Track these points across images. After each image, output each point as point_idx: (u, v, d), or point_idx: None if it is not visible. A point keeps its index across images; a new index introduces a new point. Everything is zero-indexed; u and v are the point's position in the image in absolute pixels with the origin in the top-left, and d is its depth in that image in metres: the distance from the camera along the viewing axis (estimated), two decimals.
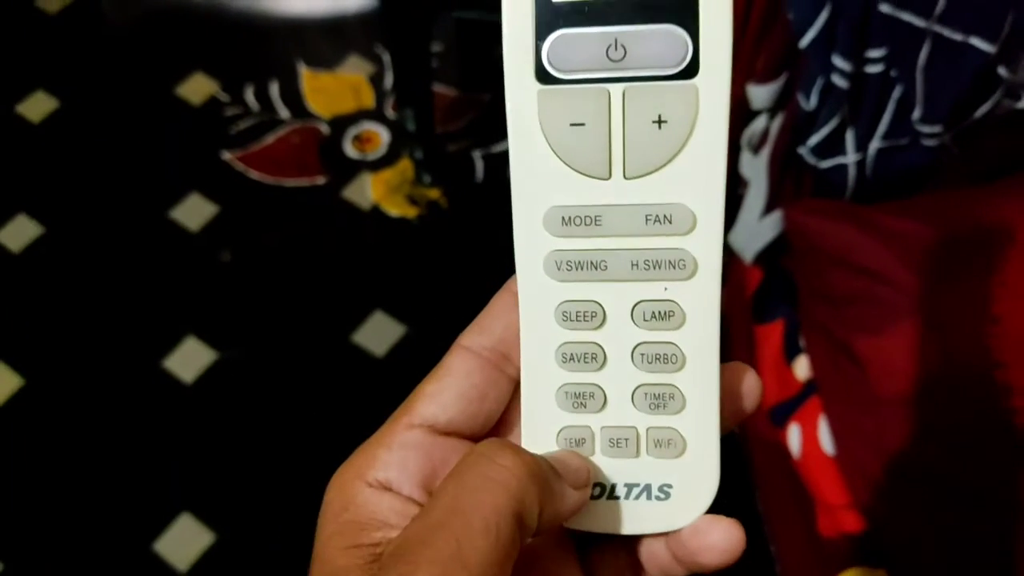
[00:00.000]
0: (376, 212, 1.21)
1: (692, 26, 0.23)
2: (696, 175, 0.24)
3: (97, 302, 1.15)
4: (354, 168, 1.24)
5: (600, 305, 0.25)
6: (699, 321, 0.25)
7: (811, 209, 0.73)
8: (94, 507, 1.00)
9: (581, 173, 0.24)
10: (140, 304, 1.15)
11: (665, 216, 0.24)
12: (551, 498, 0.24)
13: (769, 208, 0.77)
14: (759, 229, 0.77)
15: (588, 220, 0.24)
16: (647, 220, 0.24)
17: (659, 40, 0.23)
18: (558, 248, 0.25)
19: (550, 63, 0.23)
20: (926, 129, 0.69)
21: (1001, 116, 0.73)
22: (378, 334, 1.12)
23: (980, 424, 0.68)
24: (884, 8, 0.65)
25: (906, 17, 0.66)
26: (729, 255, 0.83)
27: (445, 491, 0.23)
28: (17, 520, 1.00)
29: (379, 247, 1.20)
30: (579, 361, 0.25)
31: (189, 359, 1.10)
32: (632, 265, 0.24)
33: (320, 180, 1.23)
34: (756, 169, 0.76)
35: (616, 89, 0.23)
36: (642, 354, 0.25)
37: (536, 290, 0.25)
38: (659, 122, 0.23)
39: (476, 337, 0.27)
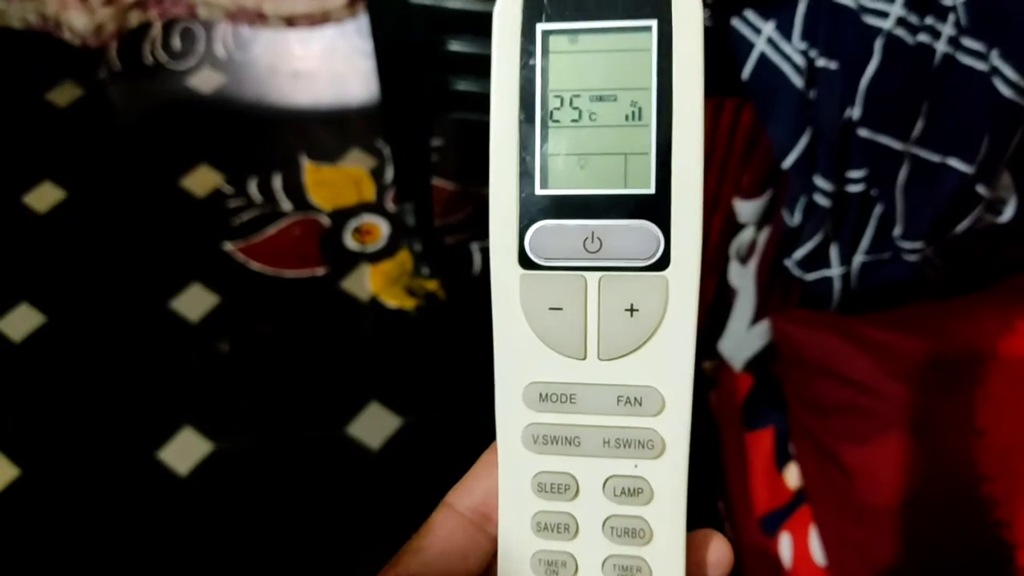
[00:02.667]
0: (375, 303, 1.22)
1: (664, 223, 0.24)
2: (665, 361, 0.25)
3: (96, 391, 1.16)
4: (354, 260, 1.26)
5: (574, 478, 0.26)
6: (667, 497, 0.26)
7: (797, 320, 0.74)
8: None
9: (558, 352, 0.25)
10: (138, 394, 1.16)
11: (636, 398, 0.25)
12: None
13: (758, 317, 0.79)
14: (748, 338, 0.79)
15: (564, 397, 0.26)
16: (619, 401, 0.25)
17: (633, 235, 0.24)
18: (535, 422, 0.26)
19: (532, 250, 0.25)
20: (907, 245, 0.71)
21: (982, 230, 0.75)
22: (374, 426, 1.12)
23: (966, 536, 0.68)
24: (863, 132, 0.68)
25: (884, 140, 0.68)
26: (720, 363, 0.84)
27: None
28: None
29: (377, 338, 1.21)
30: (552, 531, 0.26)
31: (184, 450, 1.10)
32: (604, 442, 0.26)
33: (320, 271, 1.25)
34: (744, 279, 0.78)
35: (592, 277, 0.25)
36: (612, 527, 0.26)
37: (514, 460, 0.26)
38: (631, 310, 0.25)
39: (461, 496, 0.28)
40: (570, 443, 0.26)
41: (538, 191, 0.25)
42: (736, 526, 0.84)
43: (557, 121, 0.25)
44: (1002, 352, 0.70)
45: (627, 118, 0.24)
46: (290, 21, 1.44)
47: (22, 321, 1.21)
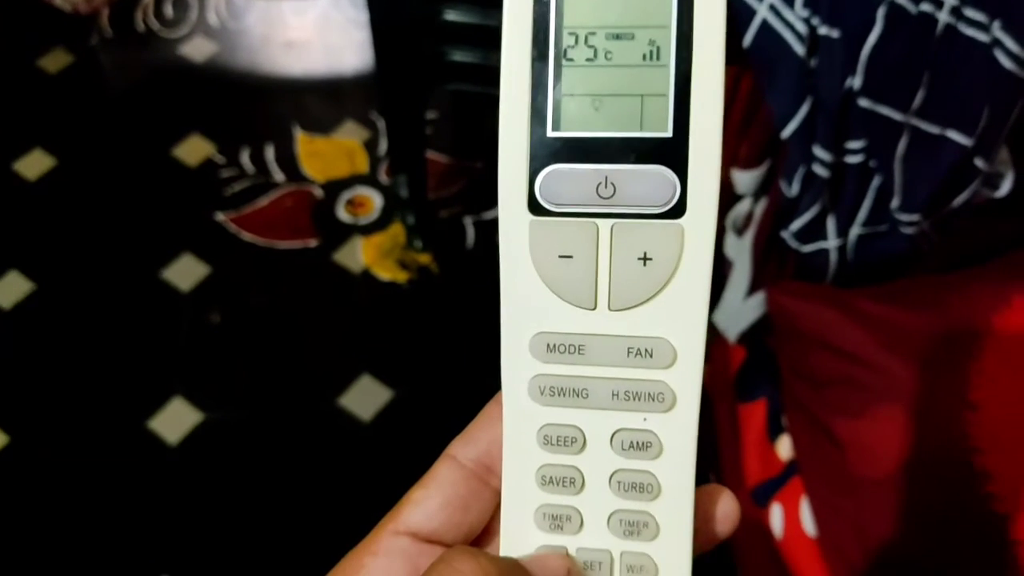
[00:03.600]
0: (367, 276, 1.22)
1: (681, 168, 0.23)
2: (678, 312, 0.24)
3: (86, 360, 1.15)
4: (346, 232, 1.25)
5: (581, 431, 0.26)
6: (676, 452, 0.25)
7: (793, 292, 0.74)
8: (81, 563, 1.00)
9: (567, 302, 0.25)
10: (128, 363, 1.15)
11: (646, 350, 0.24)
12: None
13: (753, 289, 0.78)
14: (743, 309, 0.79)
15: (572, 348, 0.25)
16: (629, 352, 0.25)
17: (648, 180, 0.23)
18: (542, 373, 0.25)
19: (542, 196, 0.24)
20: (904, 217, 0.71)
21: (979, 204, 0.75)
22: (365, 398, 1.12)
23: (958, 509, 0.68)
24: (863, 102, 0.67)
25: (884, 111, 0.67)
26: (713, 334, 0.84)
27: None
28: None
29: (368, 311, 1.20)
30: (558, 484, 0.26)
31: (175, 420, 1.10)
32: (613, 395, 0.25)
33: (312, 243, 1.24)
34: (740, 251, 0.78)
35: (605, 224, 0.24)
36: (619, 481, 0.26)
37: (519, 412, 0.26)
38: (644, 259, 0.24)
39: (463, 447, 0.27)
40: (578, 395, 0.25)
41: (550, 133, 0.24)
42: None
43: (571, 60, 0.24)
44: (997, 327, 0.70)
45: (644, 57, 0.23)
46: None
47: (11, 289, 1.20)
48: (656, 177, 0.23)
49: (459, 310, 1.18)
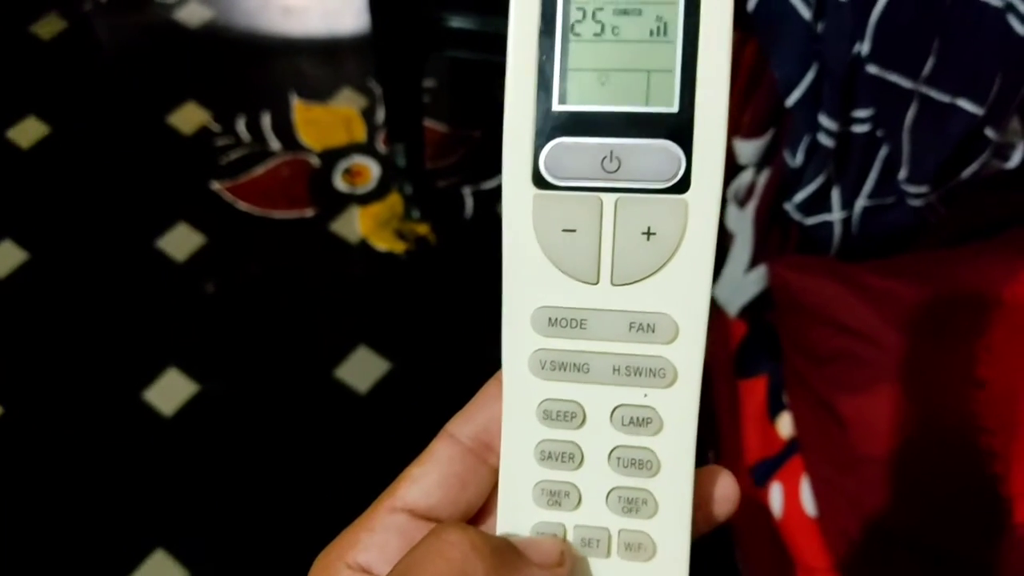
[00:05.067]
0: (364, 246, 1.20)
1: (686, 143, 0.23)
2: (681, 287, 0.24)
3: (80, 331, 1.14)
4: (343, 201, 1.24)
5: (581, 406, 0.26)
6: (676, 429, 0.25)
7: (795, 265, 0.72)
8: (75, 535, 0.99)
9: (570, 276, 0.25)
10: (122, 334, 1.14)
11: (649, 325, 0.24)
12: (509, 573, 0.24)
13: (754, 262, 0.77)
14: (744, 283, 0.77)
15: (574, 323, 0.25)
16: (631, 327, 0.25)
17: (653, 155, 0.24)
18: (543, 347, 0.25)
19: (546, 169, 0.24)
20: (912, 189, 0.69)
21: (989, 176, 0.73)
22: (362, 370, 1.11)
23: (962, 489, 0.67)
24: (871, 69, 0.65)
25: (893, 78, 0.65)
26: (714, 309, 0.83)
27: (398, 568, 0.24)
28: None
29: (366, 281, 1.19)
30: (557, 460, 0.26)
31: (169, 391, 1.09)
32: (614, 370, 0.25)
33: (308, 213, 1.22)
34: (742, 223, 0.76)
35: (609, 199, 0.24)
36: (618, 458, 0.26)
37: (519, 386, 0.26)
38: (648, 234, 0.24)
39: (462, 425, 0.27)
40: (578, 370, 0.25)
41: (555, 107, 0.24)
42: None
43: (578, 34, 0.24)
44: (1007, 302, 0.68)
45: (652, 33, 0.23)
46: None
47: (5, 258, 1.19)
48: (661, 152, 0.24)
49: (457, 281, 1.16)
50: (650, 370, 0.25)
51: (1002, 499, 0.66)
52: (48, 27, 1.41)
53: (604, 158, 0.24)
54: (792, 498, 0.74)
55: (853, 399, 0.69)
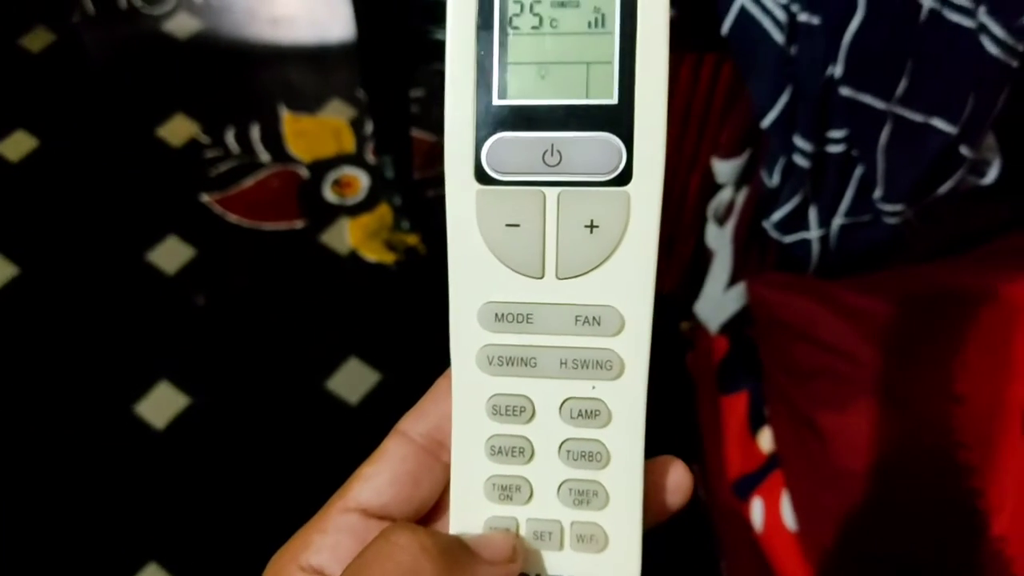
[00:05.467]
0: (354, 257, 1.21)
1: (627, 135, 0.23)
2: (625, 279, 0.24)
3: (71, 345, 1.15)
4: (333, 213, 1.24)
5: (530, 400, 0.26)
6: (625, 420, 0.25)
7: (774, 283, 0.73)
8: (69, 548, 1.00)
9: (515, 271, 0.25)
10: (113, 348, 1.14)
11: (594, 317, 0.25)
12: (460, 572, 0.24)
13: (734, 279, 0.77)
14: (724, 300, 0.77)
15: (520, 317, 0.25)
16: (577, 320, 0.25)
17: (594, 147, 0.24)
18: (491, 343, 0.25)
19: (489, 164, 0.24)
20: (887, 208, 0.70)
21: (964, 192, 0.73)
22: (353, 381, 1.11)
23: (941, 503, 0.68)
24: (844, 91, 0.65)
25: (867, 99, 0.66)
26: (696, 324, 0.83)
27: (347, 572, 0.24)
28: None
29: (356, 293, 1.19)
30: (507, 454, 0.26)
31: (161, 404, 1.09)
32: (561, 363, 0.25)
33: (298, 224, 1.23)
34: (721, 241, 0.76)
35: (551, 192, 0.24)
36: (568, 450, 0.26)
37: (468, 382, 0.26)
38: (591, 226, 0.24)
39: (414, 423, 0.27)
40: (526, 364, 0.25)
41: (496, 102, 0.24)
42: (710, 489, 0.83)
43: (516, 28, 0.24)
44: (983, 319, 0.68)
45: (590, 25, 0.23)
46: None
47: None
48: (602, 144, 0.24)
49: (446, 292, 1.16)
50: (597, 362, 0.25)
51: (980, 512, 0.67)
52: (37, 40, 1.41)
53: (545, 152, 0.24)
54: (773, 512, 0.75)
55: (832, 415, 0.70)
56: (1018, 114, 0.70)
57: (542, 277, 0.25)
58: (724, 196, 0.76)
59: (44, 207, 1.26)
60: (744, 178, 0.74)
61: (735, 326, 0.80)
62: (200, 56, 1.40)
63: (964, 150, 0.68)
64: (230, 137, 1.30)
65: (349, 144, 1.30)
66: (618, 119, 0.23)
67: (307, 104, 1.33)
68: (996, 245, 0.75)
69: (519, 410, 0.26)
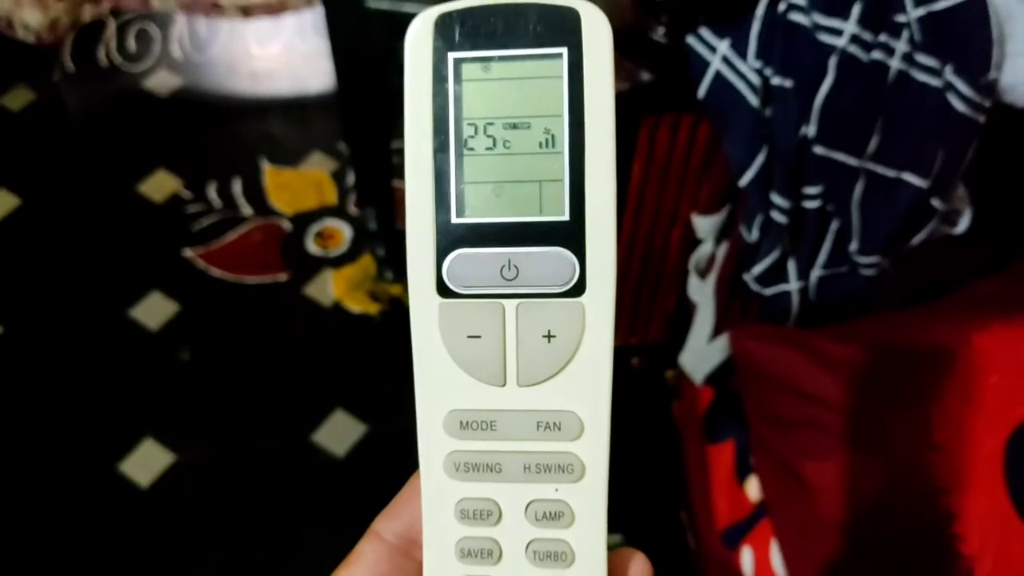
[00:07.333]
0: (338, 309, 1.21)
1: (579, 249, 0.25)
2: (583, 385, 0.25)
3: (54, 403, 1.14)
4: (316, 265, 1.25)
5: (496, 504, 0.27)
6: (587, 520, 0.26)
7: (756, 335, 0.74)
8: None
9: (478, 380, 0.26)
10: (97, 406, 1.14)
11: (555, 423, 0.26)
12: None
13: (717, 331, 0.79)
14: (708, 352, 0.79)
15: (484, 424, 0.26)
16: (539, 426, 0.26)
17: (548, 261, 0.25)
18: (457, 449, 0.26)
19: (449, 279, 0.25)
20: (864, 260, 0.71)
21: (938, 241, 0.75)
22: (339, 434, 1.11)
23: (925, 551, 0.69)
24: (818, 150, 0.67)
25: (840, 157, 0.68)
26: (682, 373, 0.84)
27: None
28: None
29: (340, 345, 1.20)
30: (477, 556, 0.27)
31: (146, 462, 1.09)
32: (525, 468, 0.26)
33: (282, 277, 1.23)
34: (704, 293, 0.78)
35: (510, 305, 0.25)
36: (535, 551, 0.27)
37: (437, 488, 0.27)
38: (549, 336, 0.25)
39: (387, 523, 0.28)
40: (492, 469, 0.26)
41: (454, 220, 0.25)
42: (699, 538, 0.84)
43: (472, 149, 0.25)
44: (959, 367, 0.70)
45: (541, 145, 0.25)
46: (246, 11, 1.41)
47: None
48: (555, 258, 0.25)
49: None
50: (559, 466, 0.26)
51: (963, 557, 0.68)
52: (17, 98, 1.41)
53: (503, 266, 0.25)
54: (763, 561, 0.76)
55: (816, 464, 0.71)
56: (987, 164, 0.73)
57: (504, 385, 0.26)
58: (705, 250, 0.77)
59: (26, 265, 1.26)
60: (724, 233, 0.76)
61: (720, 376, 0.81)
62: (181, 112, 1.41)
63: (935, 202, 0.71)
64: (212, 192, 1.31)
65: (331, 196, 1.31)
66: (570, 234, 0.25)
67: (288, 157, 1.34)
68: (969, 291, 0.77)
69: (486, 514, 0.27)
